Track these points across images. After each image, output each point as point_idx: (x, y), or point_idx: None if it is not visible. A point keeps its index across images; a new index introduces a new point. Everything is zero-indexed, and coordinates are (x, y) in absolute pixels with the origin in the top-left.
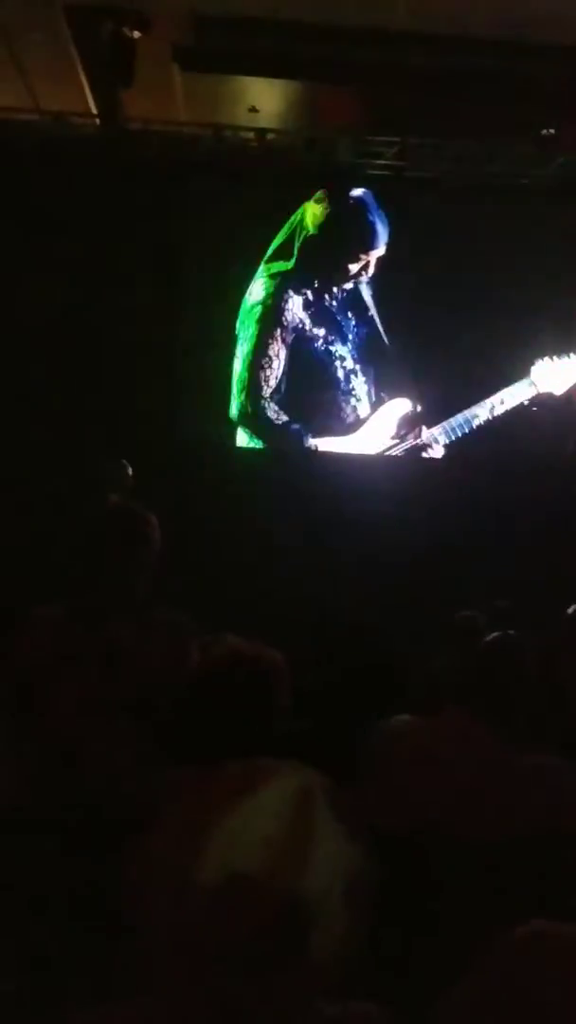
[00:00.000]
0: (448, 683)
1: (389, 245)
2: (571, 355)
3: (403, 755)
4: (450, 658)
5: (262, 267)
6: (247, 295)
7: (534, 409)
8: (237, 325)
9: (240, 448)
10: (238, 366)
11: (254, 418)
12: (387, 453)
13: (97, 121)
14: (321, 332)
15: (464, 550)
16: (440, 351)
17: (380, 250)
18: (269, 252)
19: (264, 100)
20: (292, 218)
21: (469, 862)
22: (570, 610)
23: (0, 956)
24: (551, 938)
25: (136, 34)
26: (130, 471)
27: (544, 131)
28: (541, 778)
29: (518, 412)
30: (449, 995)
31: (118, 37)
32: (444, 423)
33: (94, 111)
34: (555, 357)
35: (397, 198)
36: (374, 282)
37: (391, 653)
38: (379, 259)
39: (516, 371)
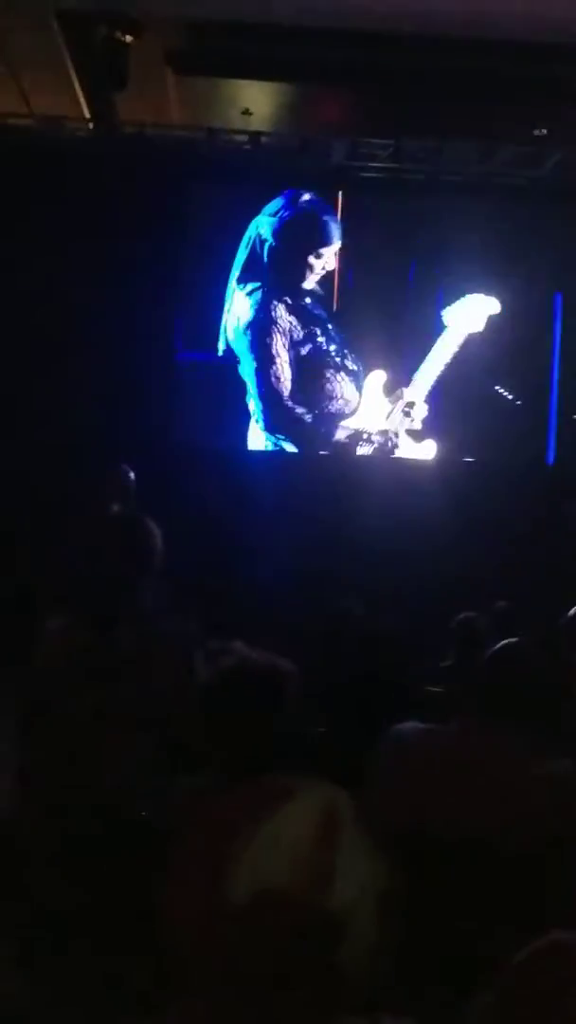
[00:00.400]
0: (455, 687)
1: (379, 244)
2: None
3: (412, 762)
4: (455, 661)
5: (234, 286)
6: (233, 316)
7: None
8: (231, 344)
9: (251, 451)
10: (251, 383)
11: (284, 423)
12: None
13: (90, 125)
14: (309, 331)
15: (463, 552)
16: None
17: (336, 245)
18: (236, 272)
19: (257, 103)
20: (247, 235)
21: (485, 870)
22: (572, 611)
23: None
24: (569, 950)
25: (129, 38)
26: (132, 476)
27: (537, 131)
28: (555, 784)
29: None
30: (472, 1009)
31: (111, 41)
32: (415, 374)
33: (87, 115)
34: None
35: (391, 199)
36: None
37: (400, 659)
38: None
39: None
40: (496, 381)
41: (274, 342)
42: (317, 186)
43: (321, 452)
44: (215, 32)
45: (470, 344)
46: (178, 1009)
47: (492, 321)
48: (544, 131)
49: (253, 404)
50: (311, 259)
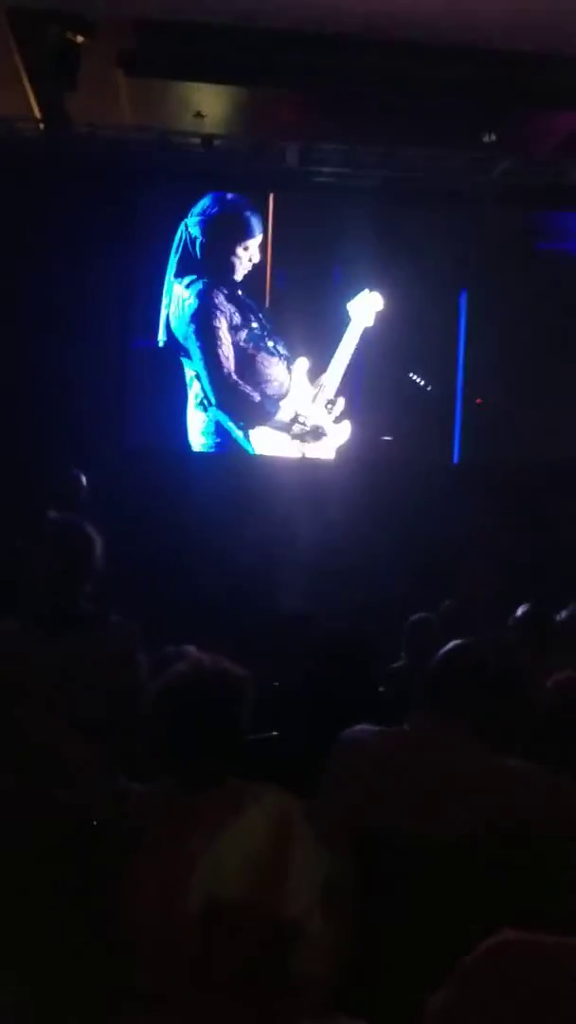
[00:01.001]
0: (407, 688)
1: (308, 243)
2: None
3: (366, 765)
4: (407, 662)
5: (172, 280)
6: (174, 306)
7: None
8: (174, 332)
9: (194, 452)
10: (199, 365)
11: (234, 400)
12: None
13: (41, 126)
14: (245, 317)
15: (411, 554)
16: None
17: (259, 238)
18: (172, 270)
19: (210, 105)
20: (178, 235)
21: (438, 867)
22: (518, 612)
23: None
24: (520, 948)
25: (80, 38)
26: (84, 481)
27: (486, 137)
28: (509, 781)
29: None
30: (426, 1008)
31: (62, 41)
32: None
33: (38, 115)
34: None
35: (343, 203)
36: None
37: (356, 660)
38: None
39: None
40: (409, 371)
41: (220, 325)
42: (268, 189)
43: (262, 452)
44: (167, 34)
45: (383, 337)
46: (137, 1017)
47: (407, 317)
48: (493, 137)
49: (199, 385)
50: (239, 250)
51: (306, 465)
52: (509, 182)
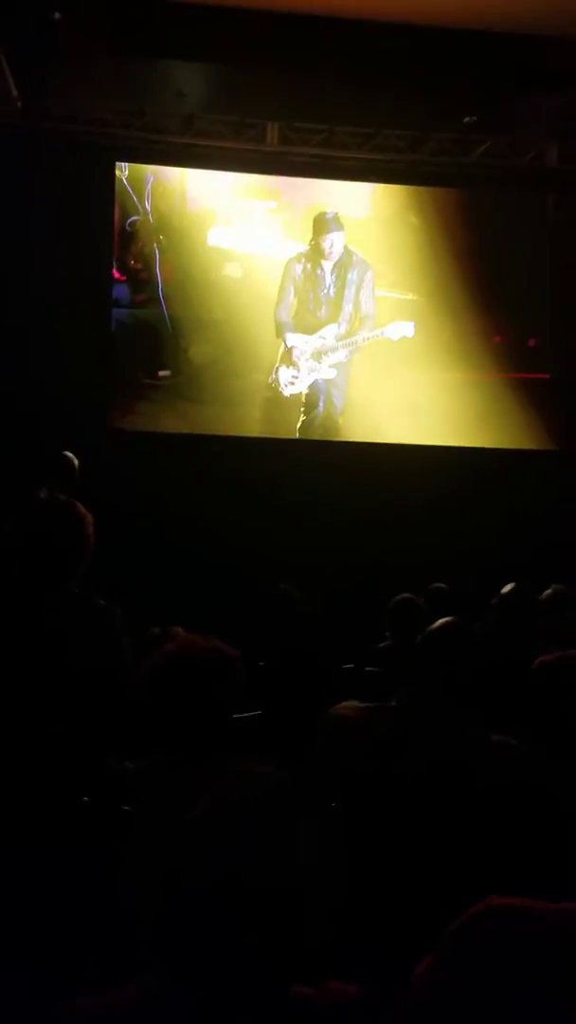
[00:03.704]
0: (393, 667)
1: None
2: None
3: (353, 740)
4: (392, 642)
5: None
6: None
7: None
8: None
9: (174, 434)
10: None
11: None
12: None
13: (19, 104)
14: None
15: (400, 534)
16: None
17: None
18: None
19: (191, 85)
20: None
21: (424, 839)
22: (504, 589)
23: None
24: (505, 914)
25: (58, 16)
26: (76, 463)
27: (467, 119)
28: (494, 755)
29: None
30: (415, 972)
31: (42, 20)
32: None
33: (15, 94)
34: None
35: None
36: None
37: (339, 641)
38: None
39: None
40: None
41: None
42: (249, 169)
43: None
44: (149, 13)
45: None
46: (136, 985)
47: None
48: (474, 119)
49: None
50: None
51: (289, 444)
52: (489, 163)
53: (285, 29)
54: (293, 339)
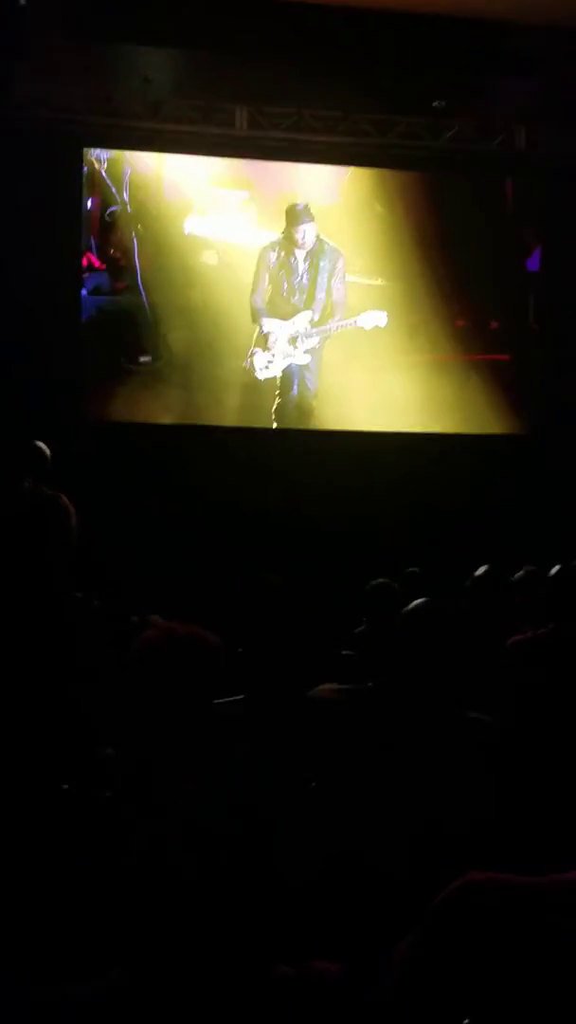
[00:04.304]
0: (370, 651)
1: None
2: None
3: (331, 721)
4: (369, 626)
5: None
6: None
7: None
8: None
9: (148, 424)
10: None
11: None
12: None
13: None
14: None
15: (373, 520)
16: None
17: None
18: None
19: (158, 70)
20: None
21: (409, 824)
22: (478, 572)
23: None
24: (485, 889)
25: (24, 2)
26: (48, 453)
27: (436, 103)
28: (472, 735)
29: None
30: (397, 949)
31: (8, 7)
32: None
33: None
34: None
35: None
36: None
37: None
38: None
39: None
40: None
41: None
42: (219, 153)
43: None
44: None
45: None
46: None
47: None
48: (443, 103)
49: None
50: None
51: (262, 433)
52: (457, 147)
53: (252, 14)
54: (269, 324)
